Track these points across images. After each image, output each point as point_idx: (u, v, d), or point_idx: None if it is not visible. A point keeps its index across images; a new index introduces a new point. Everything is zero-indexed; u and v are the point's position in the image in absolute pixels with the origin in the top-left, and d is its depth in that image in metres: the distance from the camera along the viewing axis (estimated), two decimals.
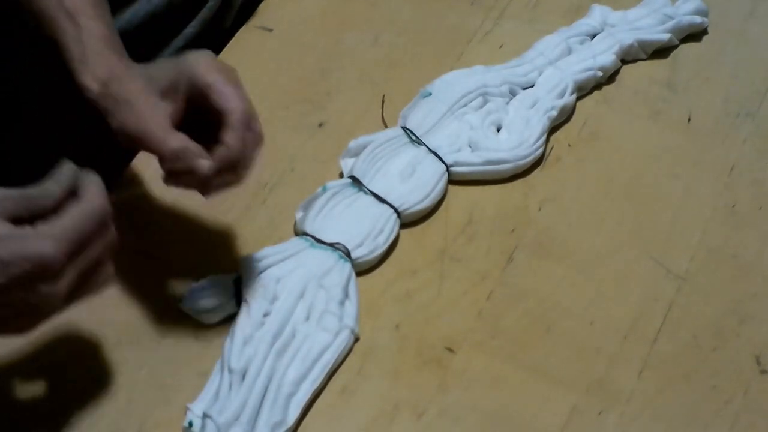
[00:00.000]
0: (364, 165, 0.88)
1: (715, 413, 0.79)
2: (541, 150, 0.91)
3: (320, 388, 0.78)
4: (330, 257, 0.83)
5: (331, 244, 0.83)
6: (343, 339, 0.79)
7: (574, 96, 0.95)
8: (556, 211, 0.89)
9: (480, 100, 0.93)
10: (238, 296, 0.81)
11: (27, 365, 0.79)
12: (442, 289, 0.84)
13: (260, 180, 0.89)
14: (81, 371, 0.79)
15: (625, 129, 0.95)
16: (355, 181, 0.87)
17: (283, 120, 0.94)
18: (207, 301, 0.80)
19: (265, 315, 0.79)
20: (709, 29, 1.03)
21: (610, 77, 0.98)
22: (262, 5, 1.02)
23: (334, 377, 0.79)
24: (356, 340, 0.81)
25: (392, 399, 0.79)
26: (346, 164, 0.90)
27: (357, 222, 0.85)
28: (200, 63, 0.75)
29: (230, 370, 0.76)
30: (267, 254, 0.82)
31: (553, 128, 0.94)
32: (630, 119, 0.96)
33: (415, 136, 0.90)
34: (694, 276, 0.86)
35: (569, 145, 0.93)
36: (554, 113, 0.93)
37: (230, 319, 0.80)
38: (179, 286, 0.82)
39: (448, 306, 0.84)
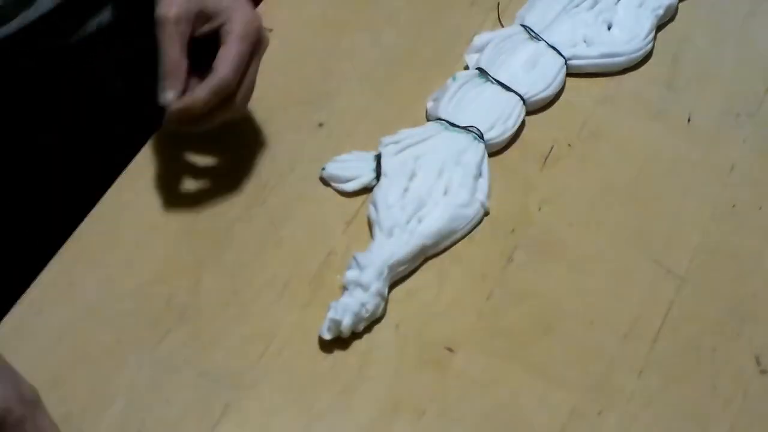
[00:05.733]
0: (490, 57, 0.96)
1: (715, 413, 0.79)
2: (650, 45, 0.99)
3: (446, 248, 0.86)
4: (465, 138, 0.90)
5: (464, 127, 0.90)
6: (474, 210, 0.87)
7: None
8: (556, 211, 0.89)
9: (591, 0, 1.00)
10: (377, 171, 0.88)
11: (28, 365, 0.79)
12: (442, 289, 0.84)
13: (260, 180, 0.90)
14: (81, 371, 0.79)
15: (626, 129, 0.95)
16: (482, 72, 0.94)
17: (283, 120, 0.94)
18: (349, 170, 0.89)
19: (405, 190, 0.87)
20: (709, 29, 1.03)
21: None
22: (261, 5, 1.02)
23: (334, 377, 0.79)
24: (486, 213, 0.87)
25: (392, 399, 0.79)
26: (471, 59, 0.97)
27: (487, 108, 0.92)
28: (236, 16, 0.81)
29: (380, 230, 0.85)
30: (405, 136, 0.90)
31: (553, 128, 0.94)
32: (630, 119, 0.96)
33: (534, 32, 0.98)
34: (694, 276, 0.86)
35: (569, 145, 0.93)
36: (660, 11, 1.00)
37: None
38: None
39: (448, 306, 0.84)
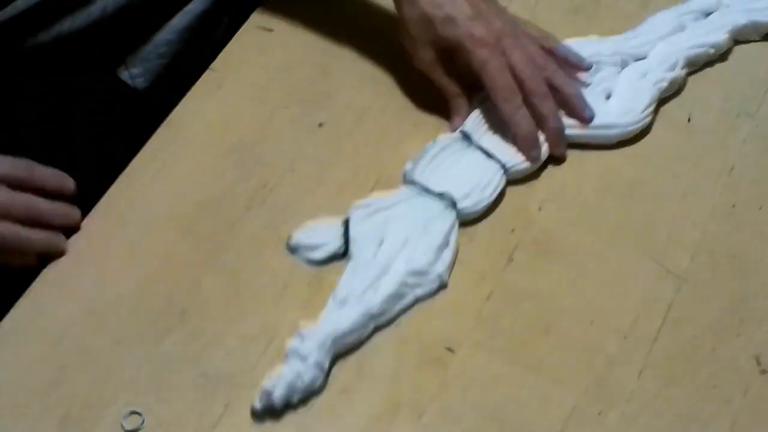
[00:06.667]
0: (476, 121, 0.92)
1: (715, 413, 0.79)
2: (648, 119, 0.94)
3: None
4: (437, 206, 0.87)
5: (438, 194, 0.87)
6: (428, 280, 0.83)
7: (685, 71, 0.97)
8: (556, 211, 0.89)
9: (592, 68, 0.95)
10: (345, 237, 0.85)
11: (28, 365, 0.79)
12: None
13: (260, 180, 0.90)
14: (81, 371, 0.79)
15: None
16: (465, 137, 0.91)
17: (283, 120, 0.93)
18: (314, 239, 0.85)
19: (374, 256, 0.84)
20: None
21: (722, 56, 0.99)
22: (261, 5, 1.02)
23: (333, 377, 0.79)
24: (443, 287, 0.84)
25: (392, 399, 0.79)
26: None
27: (465, 174, 0.89)
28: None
29: (334, 299, 0.81)
30: (376, 201, 0.87)
31: None
32: None
33: None
34: (694, 276, 0.86)
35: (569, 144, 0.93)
36: (664, 84, 0.95)
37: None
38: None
39: (448, 306, 0.84)
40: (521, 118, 0.89)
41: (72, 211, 0.84)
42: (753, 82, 0.99)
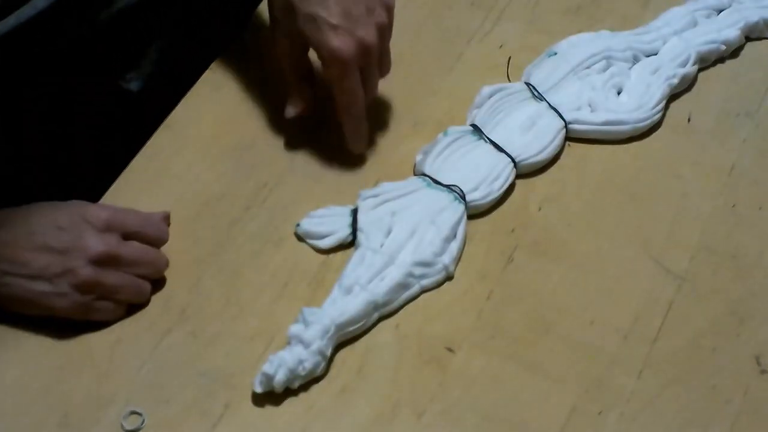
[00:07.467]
0: (486, 114, 0.92)
1: (715, 413, 0.79)
2: (659, 115, 0.94)
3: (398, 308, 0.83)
4: (445, 198, 0.87)
5: (447, 186, 0.87)
6: (435, 271, 0.84)
7: (696, 67, 0.97)
8: (556, 211, 0.89)
9: (603, 63, 0.96)
10: (354, 226, 0.85)
11: (28, 365, 0.79)
12: (442, 289, 0.84)
13: (260, 180, 0.90)
14: (81, 371, 0.79)
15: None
16: (476, 129, 0.91)
17: (282, 120, 0.93)
18: (323, 227, 0.86)
19: (381, 245, 0.84)
20: None
21: (733, 53, 1.00)
22: (262, 6, 1.02)
23: (334, 377, 0.79)
24: (449, 278, 0.84)
25: (392, 399, 0.79)
26: (473, 114, 0.93)
27: (474, 167, 0.89)
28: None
29: (340, 287, 0.81)
30: (385, 190, 0.88)
31: None
32: None
33: (538, 92, 0.94)
34: (694, 276, 0.86)
35: (569, 145, 0.93)
36: (675, 81, 0.95)
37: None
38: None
39: (448, 306, 0.84)
40: (358, 139, 0.89)
41: (161, 259, 0.83)
42: (753, 82, 0.99)
